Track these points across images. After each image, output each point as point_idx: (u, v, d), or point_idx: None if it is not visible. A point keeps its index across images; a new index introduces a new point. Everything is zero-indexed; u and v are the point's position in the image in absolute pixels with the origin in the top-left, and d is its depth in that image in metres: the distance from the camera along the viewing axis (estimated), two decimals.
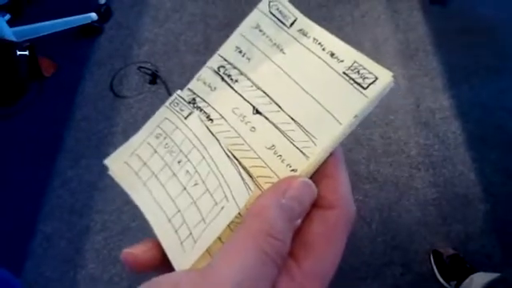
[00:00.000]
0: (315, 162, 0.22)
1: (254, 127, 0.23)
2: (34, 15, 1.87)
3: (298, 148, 0.22)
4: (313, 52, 0.24)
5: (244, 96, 0.24)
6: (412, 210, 1.42)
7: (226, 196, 0.22)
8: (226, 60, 0.25)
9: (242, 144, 0.23)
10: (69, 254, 1.39)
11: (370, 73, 0.22)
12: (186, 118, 0.25)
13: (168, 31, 1.96)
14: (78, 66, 1.85)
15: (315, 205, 0.22)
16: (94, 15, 1.88)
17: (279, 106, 0.23)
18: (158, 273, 0.23)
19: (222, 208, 0.22)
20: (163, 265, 0.23)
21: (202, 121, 0.25)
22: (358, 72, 0.22)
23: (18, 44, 1.64)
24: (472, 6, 1.97)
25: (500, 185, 1.45)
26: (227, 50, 0.25)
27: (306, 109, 0.23)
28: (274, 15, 0.25)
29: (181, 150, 0.24)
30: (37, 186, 1.53)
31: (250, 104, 0.24)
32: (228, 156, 0.23)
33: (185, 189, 0.23)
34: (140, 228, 1.39)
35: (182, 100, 0.25)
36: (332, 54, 0.23)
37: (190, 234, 0.22)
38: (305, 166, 0.22)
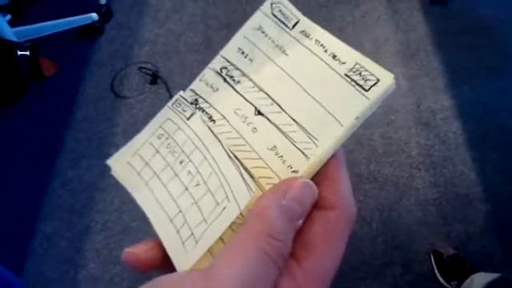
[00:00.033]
0: (316, 163, 0.22)
1: (255, 128, 0.24)
2: (35, 15, 1.87)
3: (299, 149, 0.22)
4: (315, 54, 0.24)
5: (246, 97, 0.24)
6: (412, 210, 1.42)
7: (227, 196, 0.22)
8: (228, 61, 0.25)
9: (244, 145, 0.23)
10: (69, 254, 1.39)
11: (372, 75, 0.22)
12: (188, 119, 0.25)
13: (168, 32, 1.96)
14: (78, 67, 1.86)
15: (316, 205, 0.22)
16: (94, 15, 1.88)
17: (281, 108, 0.23)
18: (159, 272, 0.23)
19: (224, 208, 0.22)
20: (164, 264, 0.23)
21: (204, 121, 0.25)
22: (360, 74, 0.22)
23: (19, 44, 1.64)
24: (472, 6, 1.97)
25: (501, 185, 1.45)
26: (229, 51, 0.26)
27: (307, 110, 0.23)
28: (276, 17, 0.25)
29: (183, 151, 0.24)
30: (37, 186, 1.54)
31: (252, 105, 0.24)
32: (230, 157, 0.23)
33: (186, 189, 0.24)
34: (140, 228, 1.39)
35: (184, 101, 0.26)
36: (334, 56, 0.23)
37: (192, 234, 0.22)
38: (306, 167, 0.22)
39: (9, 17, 1.79)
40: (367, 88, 0.22)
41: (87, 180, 1.53)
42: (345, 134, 0.22)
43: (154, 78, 1.78)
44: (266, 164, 0.23)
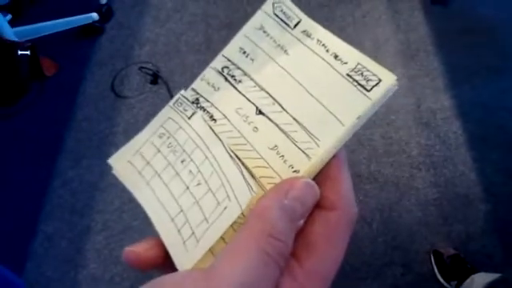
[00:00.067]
0: (317, 163, 0.22)
1: (256, 127, 0.24)
2: (36, 15, 1.87)
3: (300, 149, 0.22)
4: (316, 53, 0.24)
5: (247, 96, 0.24)
6: (413, 210, 1.42)
7: (228, 196, 0.23)
8: (229, 60, 0.25)
9: (245, 144, 0.23)
10: (70, 254, 1.40)
11: (374, 75, 0.22)
12: (189, 118, 0.25)
13: (169, 31, 1.96)
14: (79, 66, 1.86)
15: (317, 205, 0.22)
16: (95, 15, 1.89)
17: (282, 107, 0.23)
18: (160, 271, 0.23)
19: (225, 208, 0.22)
20: (165, 263, 0.23)
21: (205, 121, 0.25)
22: (362, 74, 0.22)
23: (20, 44, 1.64)
24: (473, 6, 1.97)
25: (501, 185, 1.45)
26: (231, 50, 0.26)
27: (309, 110, 0.23)
28: (277, 16, 0.25)
29: (184, 150, 0.24)
30: (38, 186, 1.54)
31: (253, 104, 0.24)
32: (231, 156, 0.23)
33: (188, 188, 0.24)
34: (141, 227, 1.39)
35: (185, 100, 0.26)
36: (336, 56, 0.23)
37: (193, 233, 0.23)
38: (307, 166, 0.22)
39: (9, 17, 1.80)
40: (369, 88, 0.22)
41: (88, 180, 1.53)
42: (346, 134, 0.22)
43: (155, 78, 1.78)
44: (267, 163, 0.23)
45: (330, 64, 0.23)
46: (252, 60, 0.25)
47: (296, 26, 0.25)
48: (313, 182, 0.21)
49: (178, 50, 1.89)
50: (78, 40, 1.95)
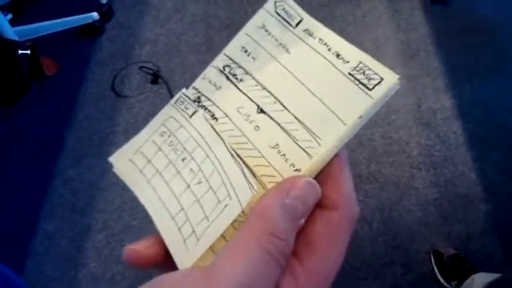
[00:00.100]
0: (319, 162, 0.22)
1: (258, 126, 0.24)
2: (36, 15, 1.87)
3: (301, 148, 0.22)
4: (318, 52, 0.24)
5: (249, 95, 0.24)
6: (413, 210, 1.42)
7: (229, 194, 0.22)
8: (231, 59, 0.25)
9: (246, 143, 0.23)
10: (70, 253, 1.40)
11: (376, 74, 0.22)
12: (190, 117, 0.25)
13: (169, 31, 1.96)
14: (79, 66, 1.86)
15: (319, 205, 0.22)
16: (95, 15, 1.88)
17: (284, 106, 0.23)
18: (160, 270, 0.23)
19: (226, 206, 0.22)
20: (165, 261, 0.23)
21: (206, 119, 0.25)
22: (364, 73, 0.22)
23: (20, 43, 1.64)
24: (473, 6, 1.97)
25: (501, 185, 1.45)
26: (233, 49, 0.26)
27: (310, 109, 0.23)
28: (279, 15, 0.25)
29: (185, 148, 0.24)
30: (38, 185, 1.54)
31: (255, 103, 0.24)
32: (232, 155, 0.23)
33: (188, 187, 0.24)
34: (141, 226, 1.39)
35: (187, 98, 0.26)
36: (338, 55, 0.23)
37: (193, 231, 0.22)
38: (308, 165, 0.22)
39: (10, 16, 1.79)
40: (371, 87, 0.22)
41: (88, 179, 1.53)
42: (348, 133, 0.22)
43: (155, 78, 1.78)
44: (268, 162, 0.23)
45: (331, 63, 0.23)
46: (254, 59, 0.25)
47: (298, 24, 0.25)
48: (314, 181, 0.21)
49: (179, 49, 1.89)
50: (79, 39, 1.95)
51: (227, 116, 0.24)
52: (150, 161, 0.25)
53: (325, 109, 0.22)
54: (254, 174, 0.23)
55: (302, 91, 0.23)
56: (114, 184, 1.47)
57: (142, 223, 1.39)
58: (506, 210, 1.40)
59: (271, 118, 0.23)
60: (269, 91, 0.24)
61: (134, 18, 2.02)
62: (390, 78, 0.22)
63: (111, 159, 0.26)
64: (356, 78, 0.22)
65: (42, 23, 1.84)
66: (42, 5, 1.93)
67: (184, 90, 0.26)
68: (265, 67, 0.24)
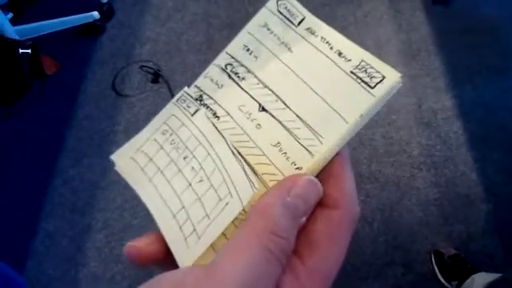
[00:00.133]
0: (320, 161, 0.22)
1: (259, 124, 0.24)
2: (37, 14, 1.87)
3: (303, 146, 0.22)
4: (320, 51, 0.24)
5: (250, 93, 0.24)
6: (413, 210, 1.41)
7: (230, 192, 0.22)
8: (233, 58, 0.25)
9: (248, 141, 0.23)
10: (71, 253, 1.40)
11: (378, 72, 0.22)
12: (192, 115, 0.25)
13: (170, 30, 1.96)
14: (80, 65, 1.86)
15: (320, 203, 0.22)
16: (96, 14, 1.89)
17: (285, 104, 0.23)
18: (161, 268, 0.23)
19: (227, 204, 0.22)
20: (166, 258, 0.23)
21: (208, 118, 0.25)
22: (366, 71, 0.22)
23: (21, 42, 1.64)
24: (475, 5, 1.97)
25: (502, 185, 1.45)
26: (235, 47, 0.26)
27: (312, 107, 0.23)
28: (282, 14, 0.25)
29: (186, 147, 0.24)
30: (39, 184, 1.54)
31: (257, 101, 0.24)
32: (233, 153, 0.23)
33: (190, 185, 0.23)
34: (142, 226, 1.39)
35: (188, 97, 0.26)
36: (340, 53, 0.23)
37: (194, 229, 0.22)
38: (310, 163, 0.22)
39: (10, 15, 1.79)
40: (373, 85, 0.22)
41: (89, 178, 1.53)
42: (350, 132, 0.22)
43: (156, 77, 1.78)
44: (270, 160, 0.23)
45: (333, 61, 0.23)
46: (256, 57, 0.25)
47: (300, 23, 0.25)
48: (316, 180, 0.21)
49: (179, 49, 1.89)
50: (79, 39, 1.95)
51: (229, 114, 0.24)
52: (151, 159, 0.25)
53: (327, 107, 0.22)
54: (255, 172, 0.23)
55: (304, 89, 0.23)
56: (115, 183, 1.47)
57: (143, 222, 1.39)
58: (506, 210, 1.40)
59: (273, 116, 0.23)
60: (271, 89, 0.24)
61: (134, 17, 2.02)
62: (392, 76, 0.22)
63: (113, 157, 0.26)
64: (358, 77, 0.22)
65: (43, 22, 1.85)
66: (43, 4, 1.93)
67: (186, 89, 0.26)
68: (267, 66, 0.24)
